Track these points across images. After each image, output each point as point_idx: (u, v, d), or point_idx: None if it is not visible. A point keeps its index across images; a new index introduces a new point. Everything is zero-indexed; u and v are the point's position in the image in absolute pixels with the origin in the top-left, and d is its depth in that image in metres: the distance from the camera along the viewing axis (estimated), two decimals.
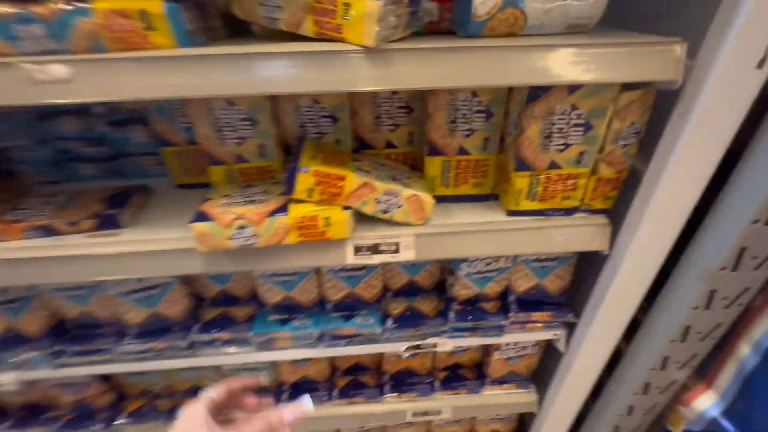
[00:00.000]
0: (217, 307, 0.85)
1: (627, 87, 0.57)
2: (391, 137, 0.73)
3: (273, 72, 0.47)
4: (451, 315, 0.82)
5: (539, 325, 0.84)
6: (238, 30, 0.66)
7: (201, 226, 0.58)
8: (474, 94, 0.62)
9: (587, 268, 0.80)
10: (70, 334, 0.81)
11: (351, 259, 0.66)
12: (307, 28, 0.49)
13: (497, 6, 0.48)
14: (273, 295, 0.81)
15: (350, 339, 0.82)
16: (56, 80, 0.45)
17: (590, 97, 0.57)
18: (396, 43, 0.48)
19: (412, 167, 0.76)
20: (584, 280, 0.81)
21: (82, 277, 0.67)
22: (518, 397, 1.02)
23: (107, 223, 0.65)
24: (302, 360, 0.93)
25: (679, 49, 0.49)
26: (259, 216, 0.59)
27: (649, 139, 0.61)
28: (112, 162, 0.81)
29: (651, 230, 0.63)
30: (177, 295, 0.78)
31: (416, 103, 0.69)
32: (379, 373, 1.02)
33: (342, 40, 0.47)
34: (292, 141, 0.71)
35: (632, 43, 0.49)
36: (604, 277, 0.73)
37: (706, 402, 0.83)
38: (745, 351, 0.74)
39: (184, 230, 0.60)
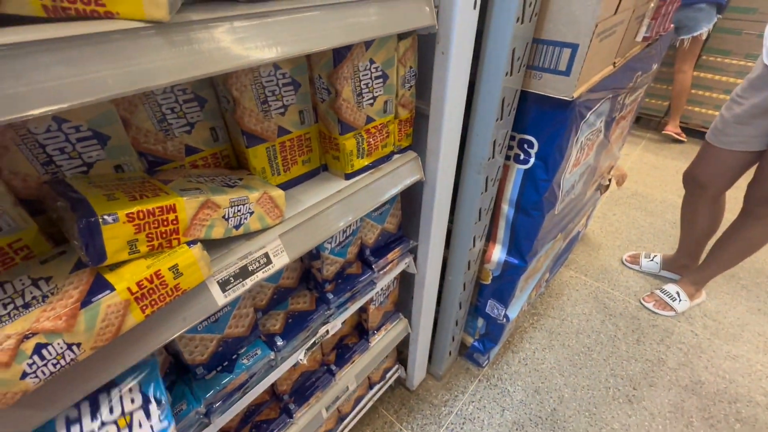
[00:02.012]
0: None
1: (399, 37, 0.65)
2: (189, 141, 0.58)
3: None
4: (330, 296, 0.80)
5: (395, 262, 0.95)
6: None
7: None
8: (276, 66, 0.57)
9: (404, 197, 0.93)
10: None
11: (222, 299, 0.52)
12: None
13: None
14: None
15: (245, 385, 0.68)
16: None
17: (381, 49, 0.62)
18: (193, 13, 0.37)
19: (230, 168, 0.64)
20: (407, 208, 0.95)
21: None
22: (395, 331, 1.15)
23: None
24: None
25: (432, 2, 0.60)
26: (65, 315, 0.37)
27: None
28: None
29: (448, 149, 0.80)
30: None
31: (206, 91, 0.56)
32: (277, 399, 0.91)
33: (110, 16, 0.32)
34: (34, 193, 0.45)
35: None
36: (426, 200, 0.88)
37: (497, 253, 1.19)
38: (506, 208, 1.09)
39: None
